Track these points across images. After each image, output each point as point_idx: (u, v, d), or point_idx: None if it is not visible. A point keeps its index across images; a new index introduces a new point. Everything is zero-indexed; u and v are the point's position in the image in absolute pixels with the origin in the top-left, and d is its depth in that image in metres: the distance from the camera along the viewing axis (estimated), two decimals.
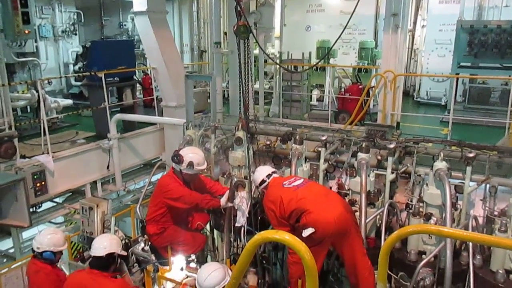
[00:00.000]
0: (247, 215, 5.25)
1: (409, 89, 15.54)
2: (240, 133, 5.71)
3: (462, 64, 11.64)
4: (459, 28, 11.46)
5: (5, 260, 8.12)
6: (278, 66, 11.72)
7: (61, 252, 4.74)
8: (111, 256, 4.35)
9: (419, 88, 14.74)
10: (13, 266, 6.08)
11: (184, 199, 5.17)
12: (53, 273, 4.58)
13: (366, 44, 13.92)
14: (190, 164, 5.18)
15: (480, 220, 4.81)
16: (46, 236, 4.71)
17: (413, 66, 16.13)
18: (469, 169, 4.82)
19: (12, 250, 8.07)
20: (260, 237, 2.17)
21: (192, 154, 5.28)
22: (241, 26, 4.83)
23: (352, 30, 15.68)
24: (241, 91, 5.08)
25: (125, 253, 4.63)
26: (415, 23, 15.88)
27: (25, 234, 8.35)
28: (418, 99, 14.52)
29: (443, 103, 13.53)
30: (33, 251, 4.70)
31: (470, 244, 4.42)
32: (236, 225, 5.36)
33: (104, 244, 4.36)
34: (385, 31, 8.99)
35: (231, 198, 5.26)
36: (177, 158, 5.21)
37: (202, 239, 5.79)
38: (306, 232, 4.23)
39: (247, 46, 5.03)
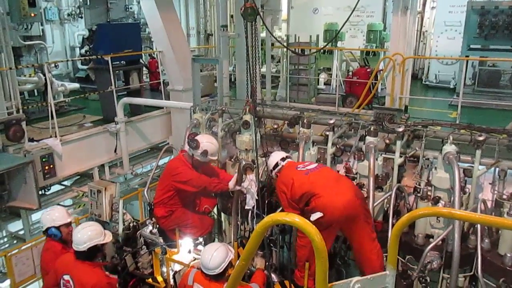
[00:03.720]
0: (256, 198, 5.27)
1: (418, 72, 15.39)
2: (248, 117, 5.68)
3: (472, 46, 11.45)
4: (470, 10, 11.25)
5: (15, 241, 8.27)
6: (285, 50, 11.62)
7: (67, 227, 4.71)
8: (94, 248, 4.22)
9: (428, 71, 14.58)
10: (23, 248, 6.18)
11: (192, 182, 5.20)
12: (61, 254, 4.54)
13: (374, 27, 13.71)
14: (205, 153, 5.23)
15: (489, 204, 4.78)
16: (45, 214, 4.79)
17: (421, 48, 15.94)
18: (478, 152, 4.77)
19: (22, 232, 8.19)
20: (270, 220, 2.15)
21: (208, 143, 5.32)
22: (248, 8, 4.76)
23: (360, 13, 15.46)
24: (248, 74, 5.04)
25: (108, 240, 4.41)
26: (424, 4, 15.65)
27: (34, 216, 8.48)
28: (427, 82, 14.37)
29: (452, 86, 13.38)
30: (44, 232, 4.78)
31: (479, 227, 4.41)
32: (246, 207, 5.36)
33: (84, 239, 4.21)
34: (394, 13, 8.87)
35: (239, 181, 5.26)
36: (194, 143, 5.22)
37: (209, 222, 5.83)
38: (314, 216, 4.21)
39: (254, 28, 4.97)
